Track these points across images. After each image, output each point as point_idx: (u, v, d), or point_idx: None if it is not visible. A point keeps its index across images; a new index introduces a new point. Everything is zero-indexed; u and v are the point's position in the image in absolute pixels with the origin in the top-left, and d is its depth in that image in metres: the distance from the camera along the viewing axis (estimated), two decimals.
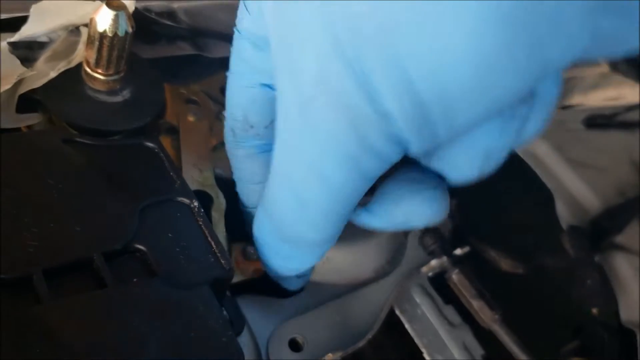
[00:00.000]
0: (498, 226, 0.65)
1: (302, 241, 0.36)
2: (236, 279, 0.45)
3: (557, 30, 0.24)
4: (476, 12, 0.23)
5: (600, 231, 0.62)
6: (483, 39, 0.24)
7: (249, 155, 0.39)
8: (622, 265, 0.60)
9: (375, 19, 0.25)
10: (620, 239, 0.62)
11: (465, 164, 0.33)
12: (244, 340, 0.41)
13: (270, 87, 0.37)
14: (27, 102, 0.44)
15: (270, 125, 0.38)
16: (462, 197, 0.59)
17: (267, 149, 0.38)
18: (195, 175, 0.44)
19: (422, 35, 0.24)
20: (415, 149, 0.29)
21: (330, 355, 0.41)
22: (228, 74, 0.39)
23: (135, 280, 0.37)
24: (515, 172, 0.58)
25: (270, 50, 0.33)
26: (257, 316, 0.44)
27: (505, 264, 0.59)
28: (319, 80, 0.28)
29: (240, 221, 0.44)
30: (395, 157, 0.30)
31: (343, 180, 0.31)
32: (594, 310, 0.58)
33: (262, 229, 0.38)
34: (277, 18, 0.30)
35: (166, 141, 0.46)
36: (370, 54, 0.25)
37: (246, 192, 0.41)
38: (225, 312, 0.39)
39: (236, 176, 0.41)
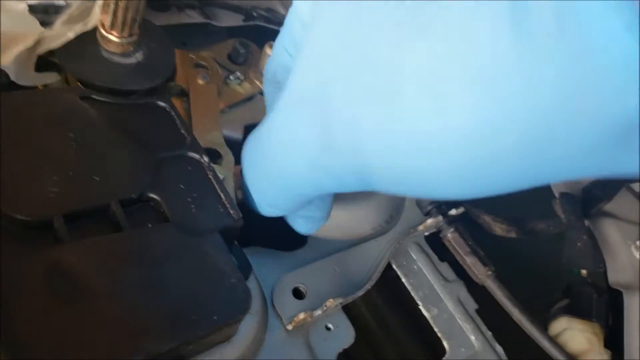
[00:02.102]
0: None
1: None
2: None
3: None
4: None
5: (591, 199, 0.64)
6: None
7: (275, 92, 0.41)
8: (610, 231, 0.63)
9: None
10: (609, 206, 0.64)
11: None
12: (250, 286, 0.43)
13: None
14: (45, 64, 0.46)
15: None
16: None
17: None
18: (205, 133, 0.46)
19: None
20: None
21: (331, 300, 0.44)
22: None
23: (149, 225, 0.39)
24: None
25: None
26: (263, 267, 0.47)
27: (499, 228, 0.62)
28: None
29: None
30: (354, 188, 0.33)
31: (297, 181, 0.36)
32: (583, 272, 0.60)
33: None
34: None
35: (177, 103, 0.48)
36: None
37: None
38: (234, 259, 0.42)
39: (267, 105, 0.44)
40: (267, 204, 0.41)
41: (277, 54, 0.41)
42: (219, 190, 0.42)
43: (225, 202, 0.42)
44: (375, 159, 0.28)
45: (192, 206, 0.41)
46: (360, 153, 0.29)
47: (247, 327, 0.42)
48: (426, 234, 0.55)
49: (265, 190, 0.40)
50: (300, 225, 0.43)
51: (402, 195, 0.32)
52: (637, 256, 0.61)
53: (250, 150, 0.41)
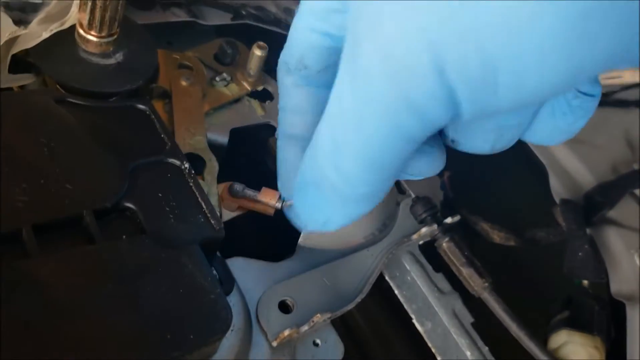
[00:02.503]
0: (490, 199, 0.66)
1: (330, 189, 0.34)
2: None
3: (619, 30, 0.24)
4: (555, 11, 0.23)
5: (593, 206, 0.62)
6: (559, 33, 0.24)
7: (296, 85, 0.38)
8: (613, 239, 0.60)
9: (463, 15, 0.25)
10: (612, 213, 0.62)
11: (479, 137, 0.34)
12: (233, 300, 0.41)
13: (331, 36, 0.36)
14: (22, 64, 0.44)
15: (324, 70, 0.37)
16: (455, 168, 0.60)
17: (315, 84, 0.38)
18: (188, 138, 0.44)
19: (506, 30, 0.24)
20: (466, 114, 0.29)
21: (318, 315, 0.42)
22: (296, 11, 0.38)
23: (124, 237, 0.37)
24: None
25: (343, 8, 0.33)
26: (248, 279, 0.45)
27: (497, 236, 0.60)
28: (388, 52, 0.28)
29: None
30: (440, 121, 0.29)
31: (382, 137, 0.30)
32: (585, 282, 0.58)
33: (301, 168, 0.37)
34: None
35: (158, 105, 0.46)
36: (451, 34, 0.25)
37: (286, 121, 0.40)
38: (214, 272, 0.40)
39: (280, 104, 0.40)
40: (361, 196, 0.35)
41: (301, 38, 0.37)
42: (200, 199, 0.40)
43: (207, 212, 0.40)
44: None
45: (171, 216, 0.39)
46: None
47: (229, 344, 0.40)
48: (420, 243, 0.53)
49: (356, 182, 0.34)
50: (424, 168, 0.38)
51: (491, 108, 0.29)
52: None
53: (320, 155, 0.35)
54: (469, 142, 0.35)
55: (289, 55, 0.38)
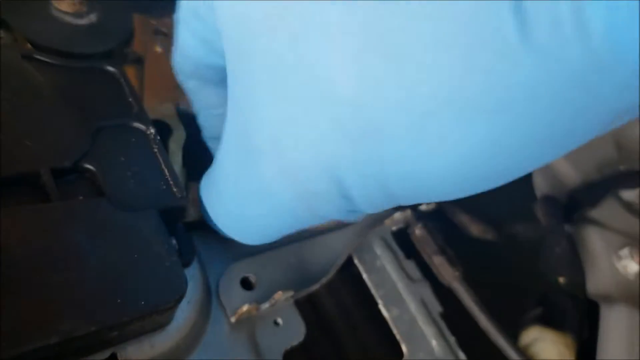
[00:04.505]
0: None
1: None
2: (193, 217, 0.44)
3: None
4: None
5: (575, 203, 0.61)
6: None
7: (201, 86, 0.38)
8: (593, 239, 0.59)
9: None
10: (594, 213, 0.61)
11: None
12: (193, 272, 0.40)
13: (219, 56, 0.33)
14: None
15: (223, 71, 0.34)
16: None
17: (220, 82, 0.37)
18: (157, 104, 0.43)
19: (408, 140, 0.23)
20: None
21: (280, 293, 0.41)
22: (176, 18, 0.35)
23: (80, 198, 0.36)
24: None
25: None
26: (212, 253, 0.43)
27: (475, 229, 0.59)
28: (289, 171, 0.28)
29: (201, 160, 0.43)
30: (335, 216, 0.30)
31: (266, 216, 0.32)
32: (561, 279, 0.57)
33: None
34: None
35: (130, 71, 0.45)
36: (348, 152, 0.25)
37: (206, 121, 0.40)
38: (174, 242, 0.39)
39: (195, 108, 0.40)
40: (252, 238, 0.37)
41: (192, 47, 0.35)
42: (163, 166, 0.39)
43: (169, 179, 0.39)
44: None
45: (131, 181, 0.38)
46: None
47: (184, 316, 0.38)
48: (393, 228, 0.52)
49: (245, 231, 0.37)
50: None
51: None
52: (619, 267, 0.57)
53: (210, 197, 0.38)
54: None
55: (181, 64, 0.37)
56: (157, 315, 0.35)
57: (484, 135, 0.22)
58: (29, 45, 0.42)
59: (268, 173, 0.29)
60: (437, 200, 0.26)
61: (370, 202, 0.27)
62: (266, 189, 0.30)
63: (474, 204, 0.60)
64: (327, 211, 0.29)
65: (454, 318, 0.49)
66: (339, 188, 0.27)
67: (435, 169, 0.24)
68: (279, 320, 0.43)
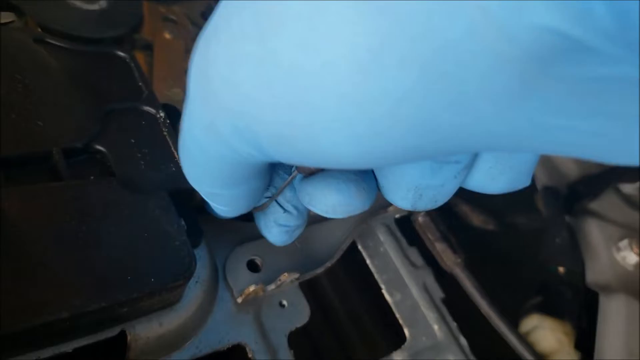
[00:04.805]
0: None
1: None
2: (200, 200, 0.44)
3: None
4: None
5: (575, 195, 0.62)
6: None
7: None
8: (593, 231, 0.60)
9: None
10: (594, 205, 0.62)
11: (397, 194, 0.31)
12: (200, 253, 0.41)
13: None
14: (4, 3, 0.44)
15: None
16: None
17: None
18: (165, 89, 0.44)
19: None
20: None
21: (286, 274, 0.41)
22: None
23: (92, 178, 0.37)
24: None
25: None
26: (218, 236, 0.44)
27: (476, 219, 0.59)
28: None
29: None
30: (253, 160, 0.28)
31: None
32: (560, 269, 0.58)
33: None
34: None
35: (140, 57, 0.46)
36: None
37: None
38: (182, 222, 0.39)
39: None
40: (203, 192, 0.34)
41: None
42: (173, 149, 0.40)
43: (179, 162, 0.40)
44: (255, 114, 0.23)
45: (142, 162, 0.39)
46: (239, 107, 0.23)
47: (192, 295, 0.39)
48: (397, 216, 0.52)
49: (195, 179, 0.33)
50: (274, 236, 0.38)
51: (298, 163, 0.26)
52: (618, 258, 0.58)
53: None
54: (390, 197, 0.31)
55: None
56: (167, 292, 0.36)
57: None
58: (39, 30, 0.43)
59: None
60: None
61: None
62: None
63: (475, 194, 0.60)
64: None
65: (456, 304, 0.50)
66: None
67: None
68: (284, 302, 0.44)
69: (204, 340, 0.39)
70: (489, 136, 0.20)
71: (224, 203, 0.33)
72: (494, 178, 0.28)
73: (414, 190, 0.30)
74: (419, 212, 0.51)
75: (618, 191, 0.64)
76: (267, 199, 0.36)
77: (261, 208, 0.37)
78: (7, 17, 0.43)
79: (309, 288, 0.46)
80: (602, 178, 0.64)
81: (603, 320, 0.55)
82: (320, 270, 0.44)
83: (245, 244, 0.44)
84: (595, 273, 0.58)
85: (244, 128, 0.24)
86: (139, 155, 0.39)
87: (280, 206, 0.37)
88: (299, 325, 0.43)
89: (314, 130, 0.22)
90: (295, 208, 0.36)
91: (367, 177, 0.32)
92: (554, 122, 0.19)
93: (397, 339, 0.47)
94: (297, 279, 0.43)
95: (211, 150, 0.27)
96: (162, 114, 0.40)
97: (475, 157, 0.28)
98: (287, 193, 0.36)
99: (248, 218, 0.46)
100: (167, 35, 0.46)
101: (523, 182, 0.28)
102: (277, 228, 0.37)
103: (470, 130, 0.20)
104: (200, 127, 0.26)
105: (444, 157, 0.27)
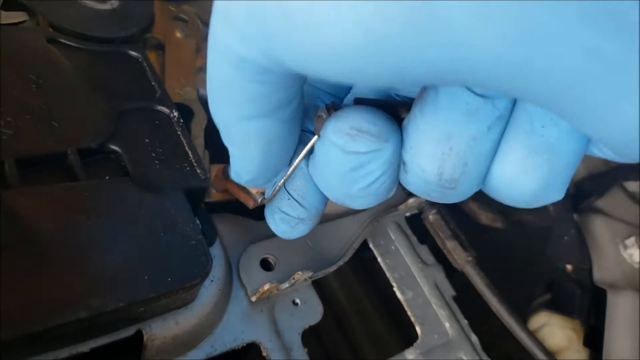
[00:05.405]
0: None
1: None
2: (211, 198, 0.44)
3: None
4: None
5: (582, 193, 0.62)
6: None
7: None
8: (599, 228, 0.60)
9: None
10: (600, 203, 0.62)
11: (425, 149, 0.26)
12: (215, 253, 0.41)
13: None
14: (15, 3, 0.44)
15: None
16: None
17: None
18: (177, 88, 0.44)
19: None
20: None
21: (299, 273, 0.41)
22: None
23: (107, 178, 0.37)
24: None
25: None
26: (232, 234, 0.44)
27: (485, 217, 0.59)
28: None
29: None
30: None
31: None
32: (568, 267, 0.58)
33: None
34: None
35: (152, 56, 0.46)
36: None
37: None
38: (197, 222, 0.39)
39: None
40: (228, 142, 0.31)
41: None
42: (187, 148, 0.40)
43: (193, 161, 0.40)
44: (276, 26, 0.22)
45: (156, 162, 0.39)
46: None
47: (207, 294, 0.39)
48: (407, 214, 0.53)
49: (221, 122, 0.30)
50: (275, 223, 0.35)
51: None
52: (625, 255, 0.58)
53: None
54: (415, 159, 0.28)
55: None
56: (183, 292, 0.36)
57: None
58: (51, 30, 0.43)
59: None
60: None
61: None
62: None
63: (483, 192, 0.60)
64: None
65: (467, 301, 0.50)
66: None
67: None
68: (297, 300, 0.44)
69: (218, 339, 0.40)
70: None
71: (248, 150, 0.31)
72: (526, 171, 0.25)
73: (444, 141, 0.26)
74: (430, 210, 0.51)
75: (624, 189, 0.64)
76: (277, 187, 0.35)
77: (272, 196, 0.37)
78: (18, 16, 0.43)
79: (320, 286, 0.46)
80: (608, 176, 0.64)
81: (611, 317, 0.55)
82: (333, 269, 0.45)
83: (258, 242, 0.44)
84: (603, 270, 0.59)
85: (256, 10, 0.23)
86: (154, 154, 0.39)
87: (287, 192, 0.36)
88: (312, 323, 0.43)
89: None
90: (302, 198, 0.35)
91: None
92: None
93: (409, 337, 0.47)
94: (310, 277, 0.43)
95: (230, 55, 0.26)
96: (175, 113, 0.40)
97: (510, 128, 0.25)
98: (298, 182, 0.35)
99: (260, 217, 0.47)
100: (178, 35, 0.46)
101: (558, 188, 0.25)
102: (278, 214, 0.36)
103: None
104: (219, 23, 0.25)
105: (480, 87, 0.25)
